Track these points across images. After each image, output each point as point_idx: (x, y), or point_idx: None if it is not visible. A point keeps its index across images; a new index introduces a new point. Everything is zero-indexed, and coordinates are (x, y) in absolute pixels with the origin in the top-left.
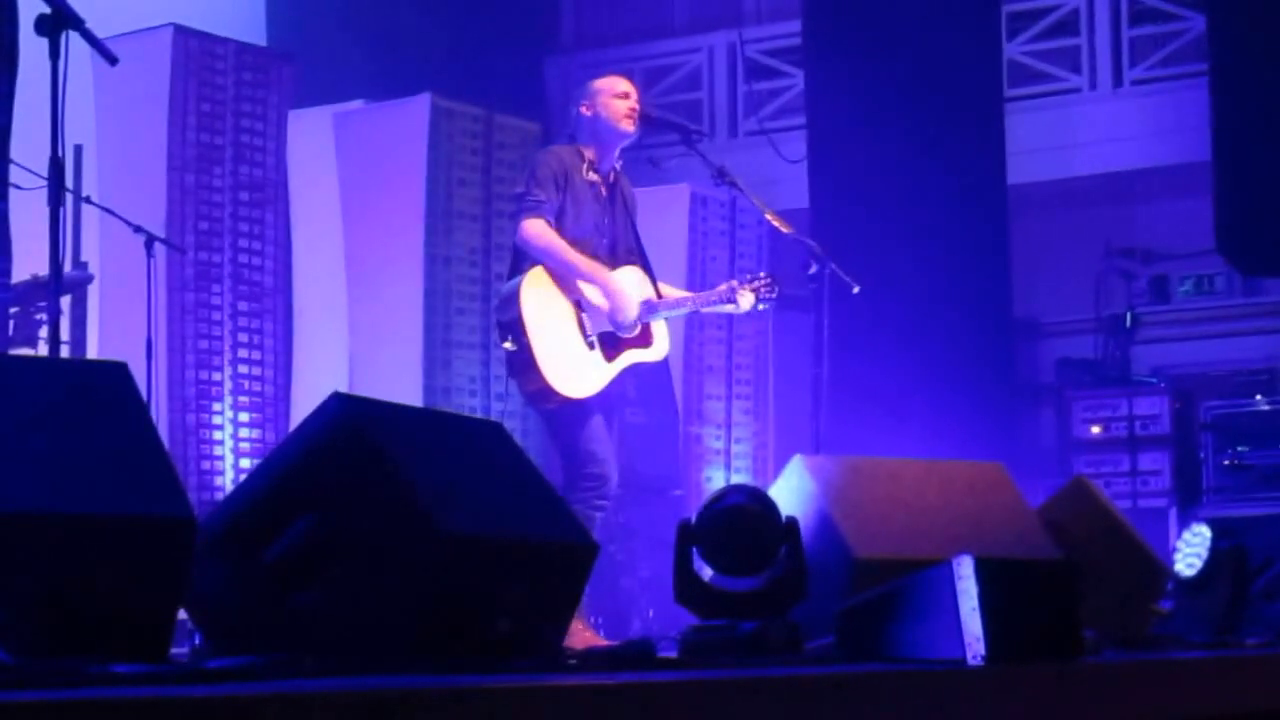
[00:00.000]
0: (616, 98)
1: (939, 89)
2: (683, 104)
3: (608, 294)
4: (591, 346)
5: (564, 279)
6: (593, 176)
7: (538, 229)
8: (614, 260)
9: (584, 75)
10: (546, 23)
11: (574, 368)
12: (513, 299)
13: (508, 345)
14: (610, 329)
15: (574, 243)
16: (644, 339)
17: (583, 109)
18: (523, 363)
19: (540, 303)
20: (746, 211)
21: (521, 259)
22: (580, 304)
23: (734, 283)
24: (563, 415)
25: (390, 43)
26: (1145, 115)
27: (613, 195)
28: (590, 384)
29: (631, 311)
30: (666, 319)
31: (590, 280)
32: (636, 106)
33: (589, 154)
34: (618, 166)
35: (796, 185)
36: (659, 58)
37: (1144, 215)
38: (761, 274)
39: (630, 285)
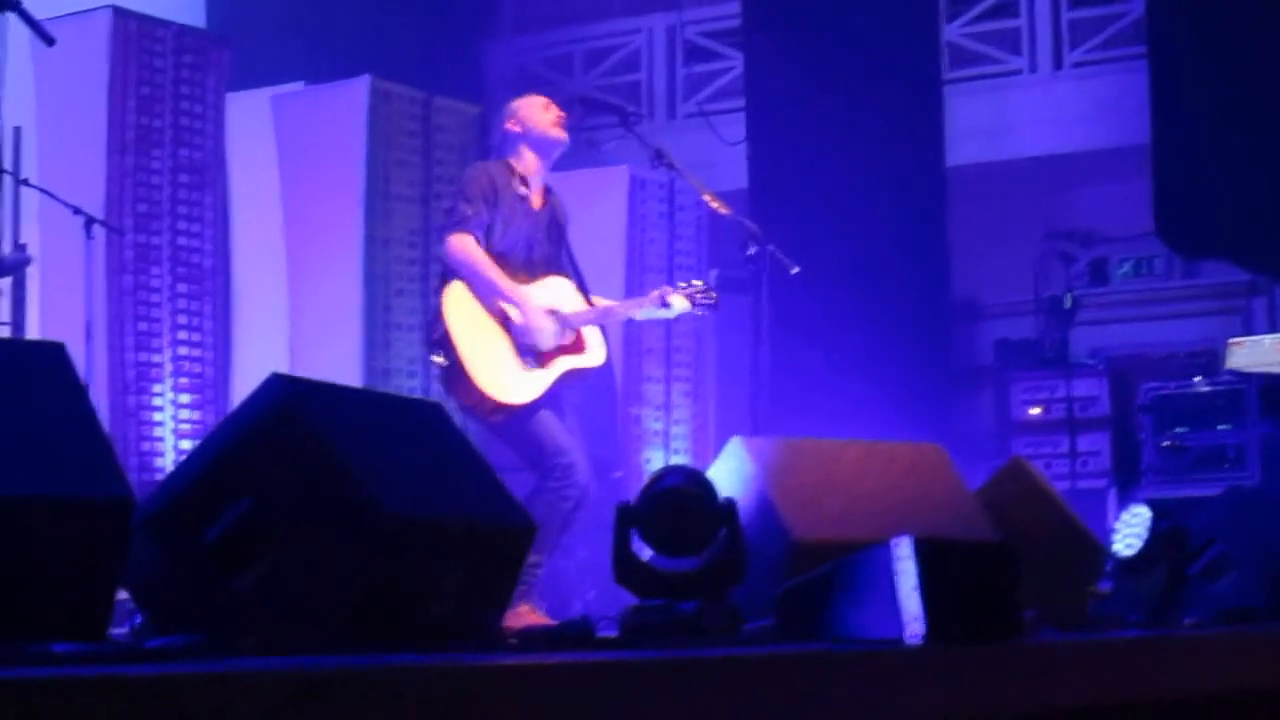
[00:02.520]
0: (539, 109)
1: (878, 71)
2: (621, 86)
3: (524, 315)
4: (524, 353)
5: (484, 296)
6: (523, 190)
7: (462, 245)
8: (545, 271)
9: (524, 57)
10: (485, 5)
11: (508, 375)
12: (438, 316)
13: (438, 359)
14: (538, 341)
15: (502, 255)
16: (576, 346)
17: (510, 126)
18: (455, 376)
19: (466, 316)
20: (685, 193)
21: (449, 274)
22: (505, 316)
23: (666, 288)
24: (510, 422)
25: (329, 25)
26: (1085, 98)
27: (545, 208)
28: (527, 390)
29: (545, 338)
30: (600, 326)
31: (509, 301)
32: (562, 115)
33: (519, 168)
34: (547, 182)
35: (735, 167)
36: (598, 39)
37: (1083, 198)
38: (696, 281)
39: (554, 298)
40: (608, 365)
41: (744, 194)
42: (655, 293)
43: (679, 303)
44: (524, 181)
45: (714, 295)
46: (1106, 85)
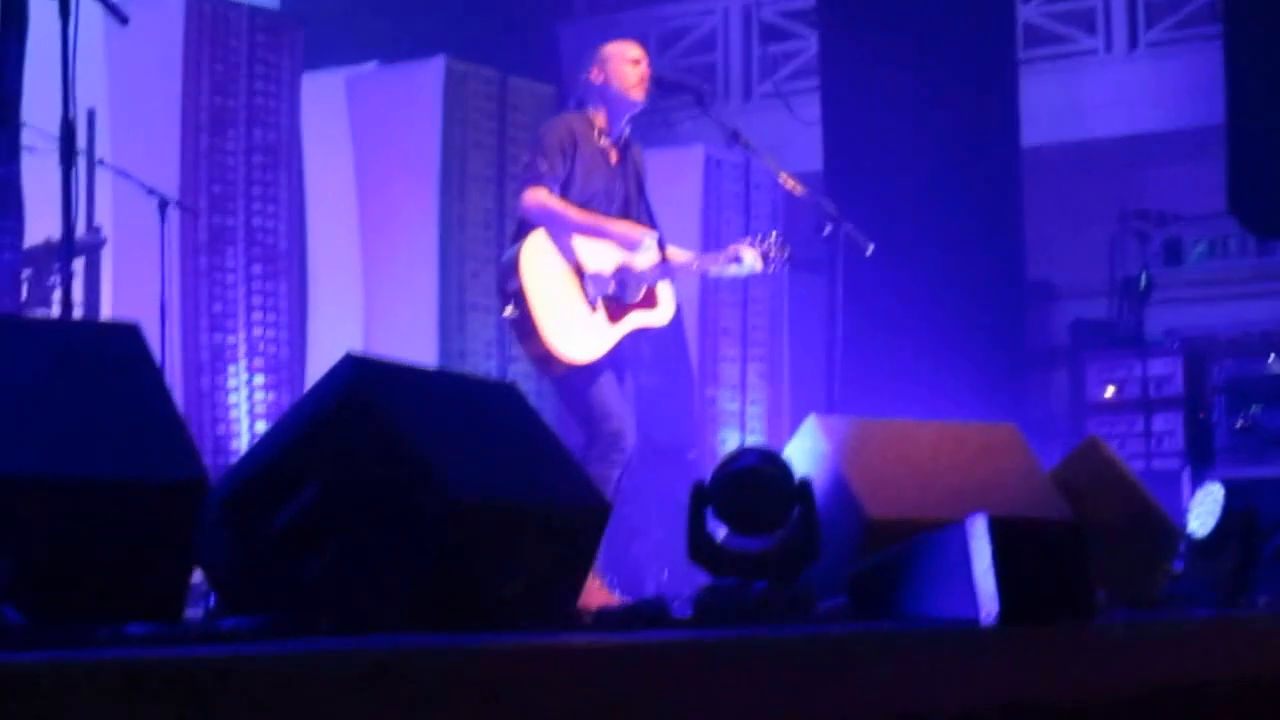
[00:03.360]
0: (627, 64)
1: (953, 51)
2: (697, 67)
3: (617, 239)
4: (595, 309)
5: (564, 245)
6: (603, 143)
7: (538, 198)
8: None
9: (599, 38)
10: None
11: (577, 331)
12: (512, 266)
13: (509, 312)
14: (613, 291)
15: (582, 207)
16: (648, 301)
17: (593, 75)
18: (525, 329)
19: (540, 268)
20: (761, 173)
21: (524, 228)
22: (580, 268)
23: (740, 243)
24: (571, 378)
25: (403, 5)
26: (1159, 78)
27: (623, 161)
28: (594, 347)
29: (644, 252)
30: (673, 282)
31: (595, 233)
32: (647, 73)
33: (599, 120)
34: (627, 132)
35: (811, 147)
36: (673, 20)
37: (1158, 178)
38: (771, 234)
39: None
40: (683, 344)
41: (819, 174)
42: (731, 248)
43: (751, 258)
44: (603, 134)
45: (788, 249)
46: (1181, 65)
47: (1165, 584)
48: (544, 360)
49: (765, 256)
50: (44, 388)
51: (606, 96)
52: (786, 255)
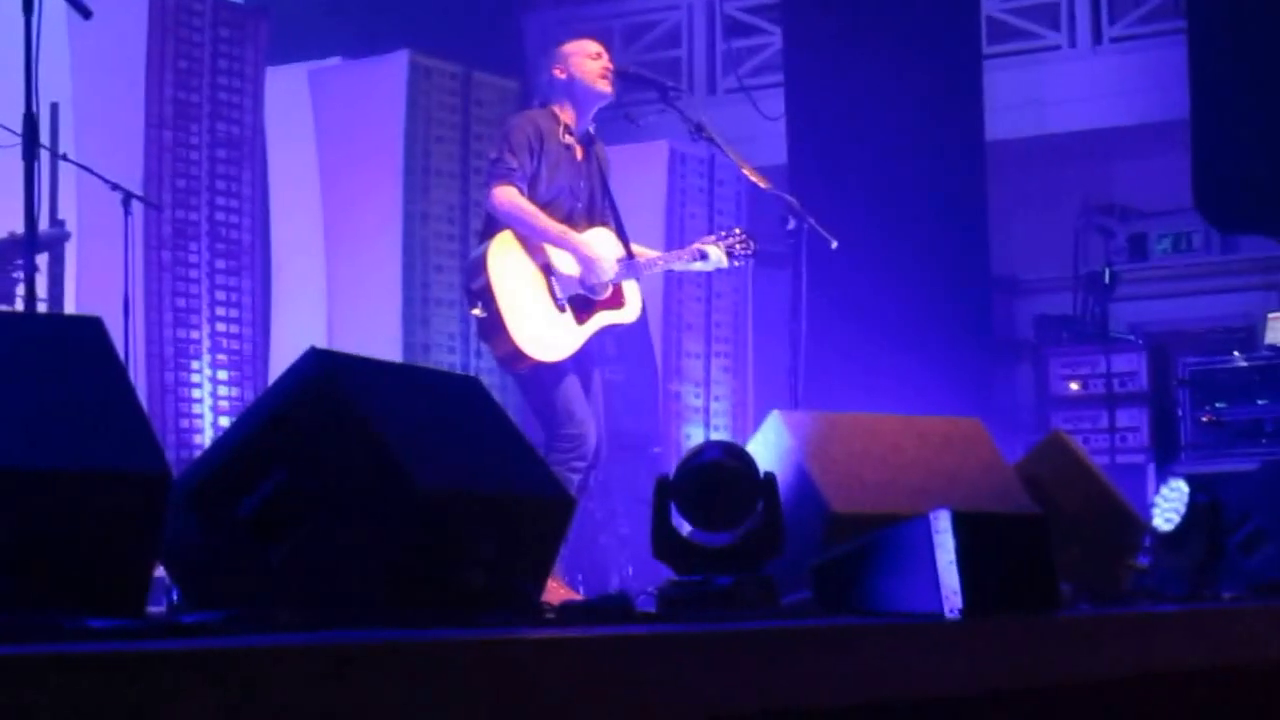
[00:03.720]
0: (589, 58)
1: (917, 46)
2: (661, 61)
3: (580, 258)
4: (562, 309)
5: (532, 244)
6: (568, 139)
7: (507, 196)
8: (589, 222)
9: (563, 32)
10: None
11: (544, 331)
12: (479, 265)
13: (476, 312)
14: (581, 292)
15: (547, 205)
16: (615, 300)
17: (556, 72)
18: (492, 327)
19: (507, 268)
20: (725, 168)
21: (492, 225)
22: (549, 268)
23: (705, 239)
24: (536, 377)
25: None
26: (1124, 72)
27: (588, 157)
28: (562, 347)
29: (606, 272)
30: (639, 280)
31: (561, 244)
32: (610, 65)
33: (564, 116)
34: (592, 129)
35: (775, 142)
36: (637, 14)
37: (1122, 172)
38: (736, 230)
39: (602, 246)
40: (647, 339)
41: (784, 169)
42: (696, 244)
43: (716, 254)
44: (568, 130)
45: (753, 244)
46: (1145, 60)
47: (1131, 577)
48: (510, 358)
49: (731, 252)
50: (5, 380)
51: (573, 92)
52: (752, 250)
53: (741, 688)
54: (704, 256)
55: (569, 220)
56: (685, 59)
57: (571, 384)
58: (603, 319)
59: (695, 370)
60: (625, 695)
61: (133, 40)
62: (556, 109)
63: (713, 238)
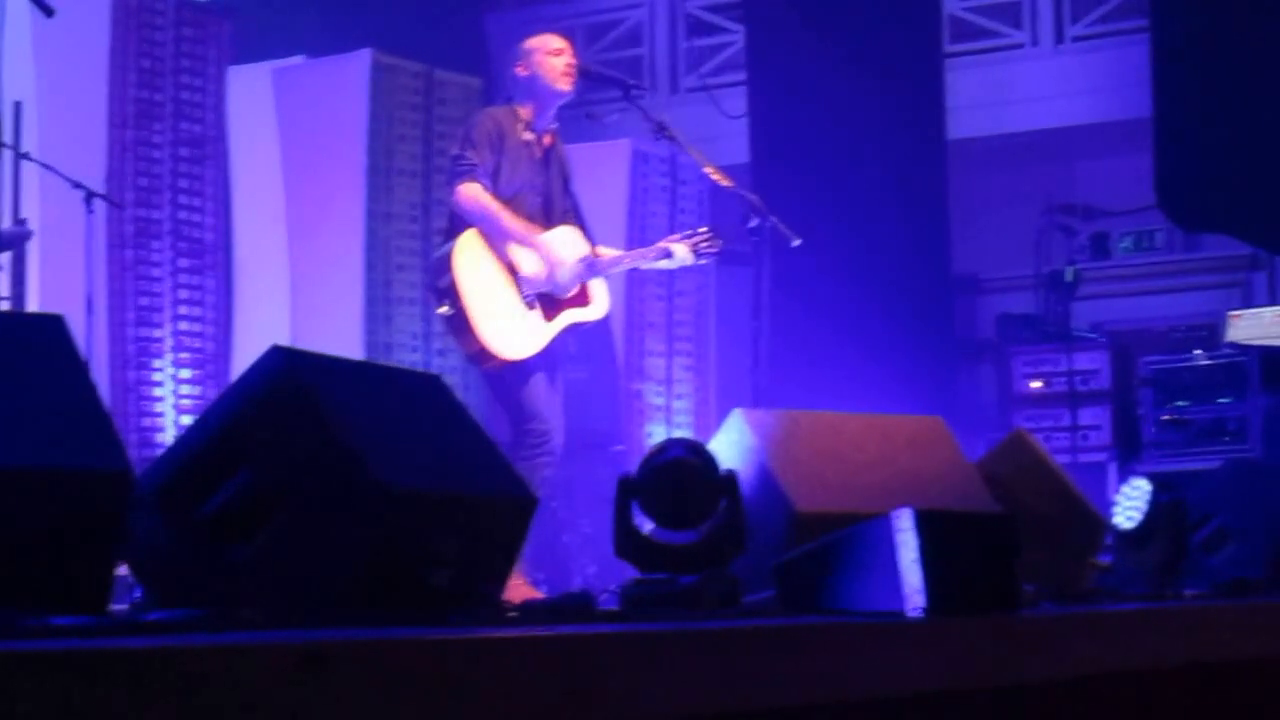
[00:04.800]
0: (551, 55)
1: (879, 45)
2: (624, 60)
3: (543, 257)
4: (531, 306)
5: (497, 243)
6: (528, 136)
7: (472, 193)
8: (548, 220)
9: (526, 30)
10: None
11: (512, 329)
12: (445, 264)
13: (443, 310)
14: (547, 290)
15: (508, 202)
16: (581, 299)
17: (518, 69)
18: (460, 326)
19: (474, 266)
20: (687, 167)
21: (457, 223)
22: (514, 266)
23: (671, 238)
24: (504, 375)
25: None
26: (1086, 71)
27: (548, 155)
28: (529, 345)
29: (568, 274)
30: (605, 278)
31: (524, 244)
32: (573, 62)
33: (524, 114)
34: (554, 127)
35: (737, 141)
36: (600, 13)
37: (1085, 171)
38: (700, 229)
39: (566, 246)
40: (609, 338)
41: (746, 167)
42: (661, 243)
43: (681, 252)
44: (529, 127)
45: (718, 242)
46: (1108, 59)
47: (1093, 576)
48: (478, 356)
49: (697, 250)
50: None
51: (534, 89)
52: (718, 248)
53: (705, 687)
54: (669, 255)
55: (529, 218)
56: (647, 57)
57: (538, 381)
58: (569, 316)
59: (657, 369)
60: (588, 695)
61: (96, 39)
62: (518, 106)
63: (678, 236)
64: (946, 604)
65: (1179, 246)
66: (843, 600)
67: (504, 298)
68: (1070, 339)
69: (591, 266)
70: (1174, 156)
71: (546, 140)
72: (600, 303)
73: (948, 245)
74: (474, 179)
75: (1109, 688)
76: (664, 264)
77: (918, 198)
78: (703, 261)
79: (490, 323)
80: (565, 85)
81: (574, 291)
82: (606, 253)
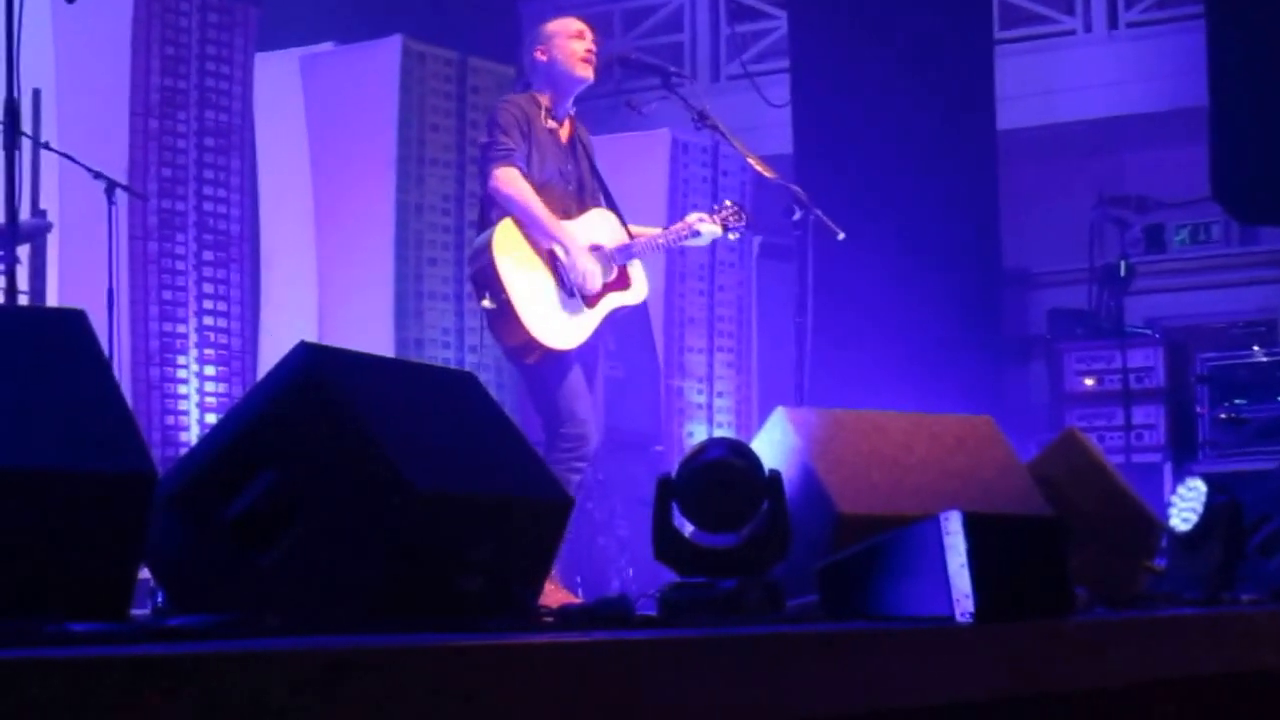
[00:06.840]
0: (571, 39)
1: (927, 31)
2: (664, 47)
3: (571, 257)
4: (572, 294)
5: (532, 231)
6: (551, 124)
7: (509, 177)
8: (581, 205)
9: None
10: None
11: (557, 317)
12: (484, 253)
13: (485, 303)
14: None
15: (540, 188)
16: (622, 282)
17: (538, 54)
18: (502, 317)
19: (514, 254)
20: (729, 157)
21: (490, 210)
22: (553, 253)
23: (699, 215)
24: (542, 371)
25: None
26: (1140, 59)
27: (572, 142)
28: (576, 333)
29: (593, 280)
30: (641, 259)
31: (556, 241)
32: (593, 48)
33: (545, 101)
34: (573, 113)
35: (781, 130)
36: None
37: (1138, 162)
38: (726, 202)
39: (598, 232)
40: (648, 334)
41: (789, 158)
42: (692, 216)
43: (709, 228)
44: (550, 115)
45: (745, 215)
46: (1162, 46)
47: (1147, 580)
48: (522, 349)
49: (726, 224)
50: None
51: (553, 75)
52: (745, 221)
53: (745, 695)
54: (696, 234)
55: (564, 201)
56: (688, 44)
57: (576, 380)
58: (612, 301)
59: (698, 366)
60: (625, 702)
61: (118, 25)
62: (537, 94)
63: (703, 213)
64: (996, 609)
65: (1236, 239)
66: (888, 606)
67: (546, 285)
68: (1124, 335)
69: (624, 251)
70: (1230, 147)
71: (568, 126)
72: (639, 286)
73: (997, 238)
74: (510, 163)
75: (1163, 695)
76: (693, 242)
77: (966, 189)
78: (732, 236)
79: (536, 313)
80: (585, 72)
81: (613, 275)
82: (641, 233)
